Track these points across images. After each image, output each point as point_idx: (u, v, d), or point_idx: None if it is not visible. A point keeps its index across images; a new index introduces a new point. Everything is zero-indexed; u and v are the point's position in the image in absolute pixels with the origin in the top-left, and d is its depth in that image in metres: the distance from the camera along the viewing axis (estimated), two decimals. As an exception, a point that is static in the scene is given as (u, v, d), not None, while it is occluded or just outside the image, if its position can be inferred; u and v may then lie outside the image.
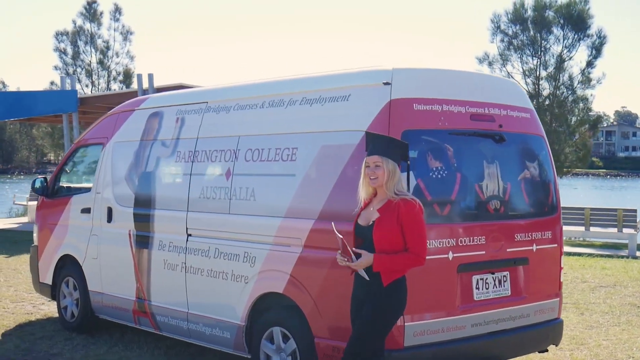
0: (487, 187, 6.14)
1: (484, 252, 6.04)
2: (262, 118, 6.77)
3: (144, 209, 7.85)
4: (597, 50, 32.75)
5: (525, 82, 33.69)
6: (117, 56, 47.11)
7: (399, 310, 5.15)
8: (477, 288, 6.03)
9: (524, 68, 34.04)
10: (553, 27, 33.47)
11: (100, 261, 8.46)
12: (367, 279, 5.02)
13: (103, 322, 8.89)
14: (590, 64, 32.85)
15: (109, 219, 8.35)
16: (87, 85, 43.91)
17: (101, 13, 46.68)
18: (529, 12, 33.96)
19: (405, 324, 5.58)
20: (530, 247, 6.42)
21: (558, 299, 6.77)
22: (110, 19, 47.45)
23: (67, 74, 45.37)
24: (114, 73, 46.45)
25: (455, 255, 5.84)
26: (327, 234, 5.73)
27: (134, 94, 21.62)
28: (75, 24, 46.32)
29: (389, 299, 5.05)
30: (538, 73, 33.72)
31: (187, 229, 7.28)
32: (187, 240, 7.28)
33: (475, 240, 5.98)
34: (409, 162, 5.34)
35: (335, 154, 5.98)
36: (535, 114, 6.80)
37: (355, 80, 6.13)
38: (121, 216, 8.18)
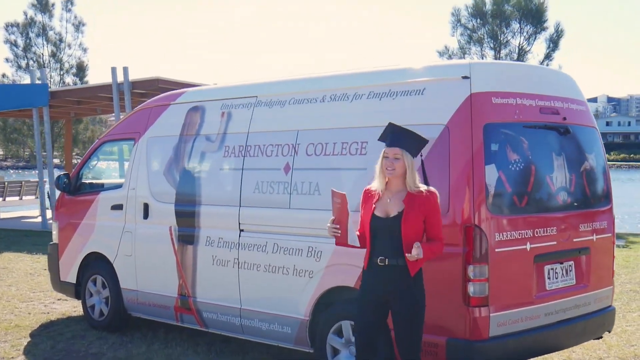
0: (557, 179, 6.27)
1: (555, 243, 6.17)
2: (324, 112, 6.74)
3: (187, 205, 7.75)
4: (554, 43, 33.48)
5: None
6: (70, 48, 46.02)
7: (424, 297, 5.27)
8: (549, 278, 6.16)
9: (484, 61, 34.58)
10: (511, 20, 34.09)
11: (136, 258, 8.33)
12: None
13: (133, 320, 8.77)
14: (548, 57, 33.57)
15: (146, 216, 8.22)
16: (38, 78, 42.62)
17: (52, 4, 45.67)
18: (488, 6, 34.55)
19: (491, 314, 5.66)
20: (591, 237, 6.58)
21: (612, 286, 6.95)
22: (62, 10, 46.34)
23: (19, 66, 44.21)
24: (66, 65, 45.41)
25: (532, 246, 5.95)
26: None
27: (107, 88, 21.22)
28: (26, 15, 45.17)
29: (419, 289, 5.20)
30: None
31: (239, 224, 7.22)
32: (239, 235, 7.22)
33: (548, 231, 6.10)
34: (422, 157, 5.46)
35: None
36: (589, 107, 6.95)
37: (430, 74, 6.17)
38: (160, 212, 8.06)
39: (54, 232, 9.52)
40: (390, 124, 5.27)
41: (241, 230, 7.23)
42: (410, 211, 5.10)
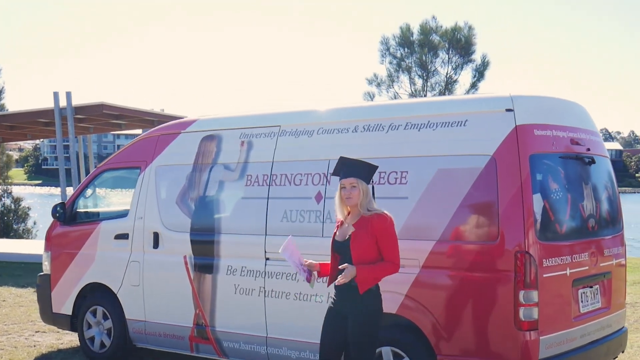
0: (586, 207, 6.58)
1: (587, 268, 6.47)
2: (357, 142, 6.85)
3: (205, 234, 7.70)
4: (480, 73, 34.66)
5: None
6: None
7: (379, 315, 5.60)
8: (582, 301, 6.44)
9: (413, 89, 35.44)
10: (439, 50, 35.10)
11: (144, 288, 8.19)
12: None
13: (135, 351, 8.60)
14: (473, 86, 34.70)
15: (156, 245, 8.11)
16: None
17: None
18: (416, 35, 35.46)
19: (540, 337, 5.89)
20: (612, 262, 6.92)
21: (625, 309, 7.31)
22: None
23: None
24: (-19, 89, 43.86)
25: (571, 271, 6.23)
26: (449, 254, 6.10)
27: (49, 113, 20.65)
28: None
29: (369, 308, 5.53)
30: (425, 94, 35.20)
31: (265, 252, 7.23)
32: (265, 264, 7.23)
33: (582, 256, 6.40)
34: (373, 183, 5.79)
35: (456, 177, 6.20)
36: (601, 137, 7.34)
37: (472, 106, 6.40)
38: (172, 242, 7.97)
39: (46, 263, 9.25)
40: (341, 157, 5.68)
41: (267, 259, 7.24)
42: (358, 233, 5.50)
